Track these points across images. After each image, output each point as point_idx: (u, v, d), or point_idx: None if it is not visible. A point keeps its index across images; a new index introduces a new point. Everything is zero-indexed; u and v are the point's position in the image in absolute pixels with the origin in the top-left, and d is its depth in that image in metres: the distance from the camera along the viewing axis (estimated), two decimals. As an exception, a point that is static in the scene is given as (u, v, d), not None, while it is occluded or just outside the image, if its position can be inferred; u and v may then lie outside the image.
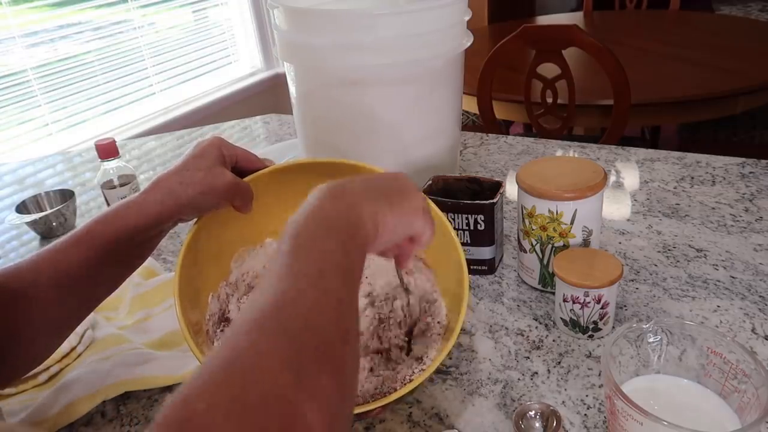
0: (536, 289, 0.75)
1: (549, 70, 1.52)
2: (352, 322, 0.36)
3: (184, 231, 0.93)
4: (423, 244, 0.49)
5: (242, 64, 2.89)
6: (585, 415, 0.56)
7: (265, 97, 2.91)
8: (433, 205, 0.62)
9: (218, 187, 0.56)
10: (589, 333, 0.65)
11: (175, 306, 0.53)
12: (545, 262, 0.71)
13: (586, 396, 0.58)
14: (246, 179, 0.60)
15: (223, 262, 0.65)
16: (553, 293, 0.71)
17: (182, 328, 0.52)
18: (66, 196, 1.05)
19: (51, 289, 0.51)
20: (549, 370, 0.62)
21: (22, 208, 1.02)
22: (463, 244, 0.72)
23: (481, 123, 1.68)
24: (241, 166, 0.61)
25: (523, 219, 0.71)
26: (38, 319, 0.51)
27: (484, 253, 0.76)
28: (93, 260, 0.52)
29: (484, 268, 0.77)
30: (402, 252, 0.51)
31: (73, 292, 0.52)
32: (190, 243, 0.57)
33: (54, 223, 1.00)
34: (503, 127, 1.71)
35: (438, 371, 0.63)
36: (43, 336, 0.53)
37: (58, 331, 0.55)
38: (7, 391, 0.65)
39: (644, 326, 0.51)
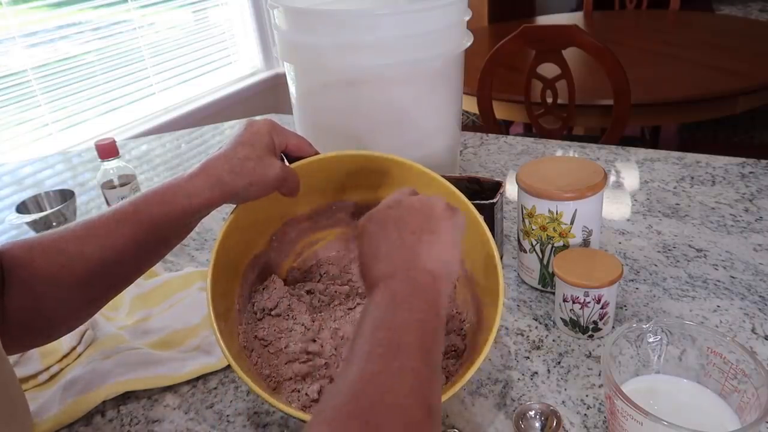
0: (536, 289, 0.75)
1: (549, 70, 1.52)
2: (433, 394, 0.36)
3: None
4: None
5: (242, 64, 2.89)
6: (585, 415, 0.56)
7: (265, 97, 2.91)
8: (472, 209, 0.62)
9: (268, 179, 0.55)
10: (589, 333, 0.65)
11: (207, 288, 0.54)
12: (545, 262, 0.71)
13: (586, 396, 0.58)
14: (294, 165, 0.60)
15: (257, 243, 0.65)
16: (553, 293, 0.71)
17: (209, 306, 0.52)
18: (66, 196, 1.05)
19: (96, 263, 0.51)
20: (549, 370, 0.62)
21: (22, 208, 1.02)
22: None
23: (481, 123, 1.68)
24: (291, 152, 0.60)
25: (523, 219, 0.71)
26: (80, 293, 0.52)
27: (484, 253, 0.76)
28: (140, 239, 0.52)
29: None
30: None
31: (117, 267, 0.53)
32: (228, 228, 0.58)
33: (54, 223, 1.00)
34: (503, 127, 1.71)
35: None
36: (82, 307, 0.54)
37: (96, 303, 0.55)
38: (7, 391, 0.65)
39: (644, 326, 0.51)
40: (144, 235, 0.52)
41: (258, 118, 0.62)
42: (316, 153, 0.62)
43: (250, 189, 0.54)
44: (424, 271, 0.43)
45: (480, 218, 0.61)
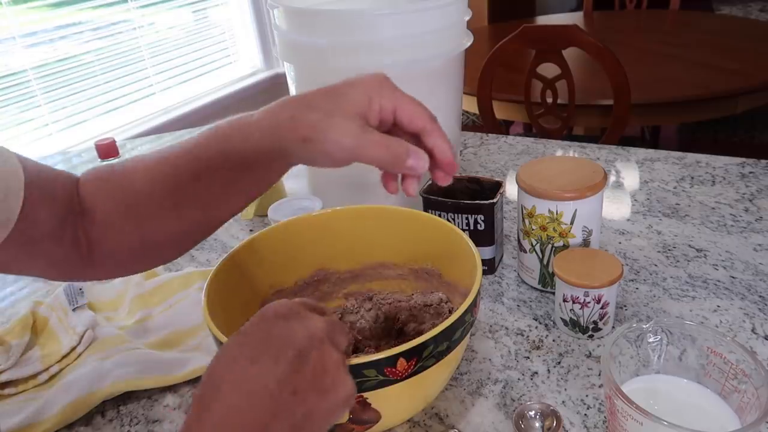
0: (536, 289, 0.75)
1: (549, 70, 1.52)
2: None
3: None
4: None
5: (242, 64, 2.89)
6: (585, 415, 0.56)
7: (265, 97, 2.88)
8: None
9: (327, 141, 0.43)
10: (589, 333, 0.65)
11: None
12: (545, 262, 0.71)
13: (586, 396, 0.58)
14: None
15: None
16: (553, 293, 0.71)
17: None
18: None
19: (167, 199, 0.49)
20: (549, 370, 0.62)
21: (22, 208, 1.02)
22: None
23: (481, 123, 1.68)
24: (400, 121, 0.46)
25: (523, 219, 0.71)
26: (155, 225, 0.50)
27: (484, 253, 0.76)
28: (203, 174, 0.48)
29: (484, 268, 0.77)
30: None
31: (188, 205, 0.50)
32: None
33: (54, 223, 1.00)
34: (503, 127, 1.71)
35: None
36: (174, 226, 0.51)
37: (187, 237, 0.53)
38: (7, 391, 0.65)
39: (644, 326, 0.51)
40: (206, 172, 0.48)
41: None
42: (434, 129, 0.46)
43: (307, 148, 0.44)
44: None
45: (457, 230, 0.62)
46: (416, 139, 0.46)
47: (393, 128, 0.47)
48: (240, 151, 0.46)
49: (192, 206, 0.50)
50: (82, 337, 0.70)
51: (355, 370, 0.45)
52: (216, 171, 0.48)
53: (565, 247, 0.69)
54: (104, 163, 0.54)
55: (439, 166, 0.47)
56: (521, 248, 0.74)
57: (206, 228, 0.53)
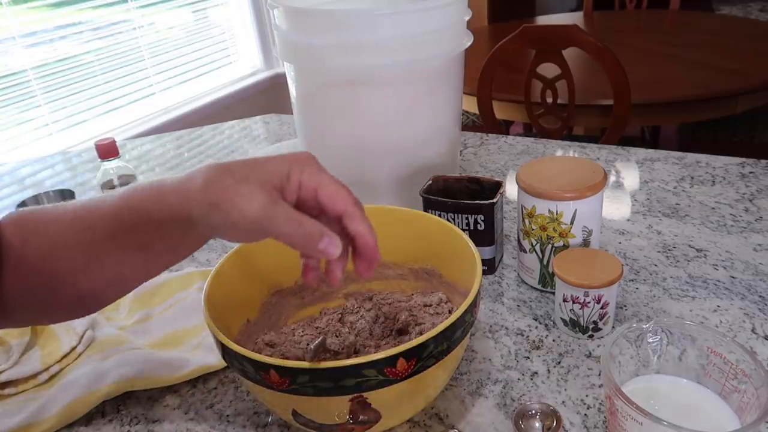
0: (536, 289, 0.75)
1: (549, 70, 1.52)
2: None
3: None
4: None
5: (242, 64, 2.90)
6: (585, 415, 0.56)
7: (265, 97, 2.91)
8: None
9: (234, 211, 0.41)
10: (589, 333, 0.65)
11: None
12: (545, 262, 0.71)
13: (586, 396, 0.58)
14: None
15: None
16: (553, 293, 0.71)
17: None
18: (66, 196, 1.05)
19: (78, 255, 0.46)
20: (549, 370, 0.62)
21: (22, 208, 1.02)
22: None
23: (481, 123, 1.68)
24: (321, 200, 0.45)
25: (523, 219, 0.71)
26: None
27: (484, 253, 0.76)
28: (118, 234, 0.45)
29: (484, 268, 0.77)
30: None
31: (102, 262, 0.46)
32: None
33: (54, 223, 1.00)
34: (503, 127, 1.72)
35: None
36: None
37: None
38: (7, 391, 0.65)
39: (644, 326, 0.51)
40: (123, 234, 0.46)
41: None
42: (356, 213, 0.45)
43: (213, 214, 0.41)
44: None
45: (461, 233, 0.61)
46: (339, 224, 0.45)
47: (320, 215, 0.45)
48: (153, 213, 0.44)
49: (106, 264, 0.47)
50: (82, 336, 0.70)
51: (355, 370, 0.45)
52: (129, 232, 0.45)
53: (565, 247, 0.69)
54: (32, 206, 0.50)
55: (361, 255, 0.46)
56: (521, 248, 0.74)
57: (119, 288, 0.50)
